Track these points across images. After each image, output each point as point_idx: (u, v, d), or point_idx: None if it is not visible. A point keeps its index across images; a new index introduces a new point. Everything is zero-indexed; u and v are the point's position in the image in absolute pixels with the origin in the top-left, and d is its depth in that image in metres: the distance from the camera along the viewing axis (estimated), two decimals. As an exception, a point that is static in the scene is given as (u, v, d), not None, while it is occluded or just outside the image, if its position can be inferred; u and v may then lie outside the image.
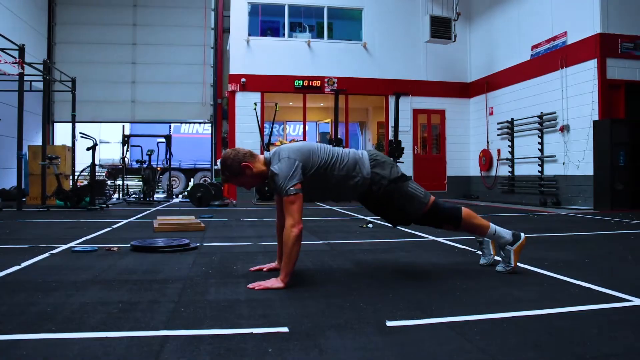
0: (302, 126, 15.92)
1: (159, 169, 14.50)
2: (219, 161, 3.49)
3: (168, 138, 14.31)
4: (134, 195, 13.88)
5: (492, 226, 3.58)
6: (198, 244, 5.02)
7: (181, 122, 19.50)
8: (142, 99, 16.33)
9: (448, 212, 3.54)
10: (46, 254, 4.41)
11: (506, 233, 3.59)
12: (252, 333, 2.27)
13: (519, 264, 3.94)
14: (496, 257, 3.79)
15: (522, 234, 3.60)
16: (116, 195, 14.42)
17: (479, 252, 3.92)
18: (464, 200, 14.08)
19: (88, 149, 10.09)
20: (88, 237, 5.66)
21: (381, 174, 3.41)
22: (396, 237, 5.47)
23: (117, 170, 18.97)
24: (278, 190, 3.25)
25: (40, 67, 11.24)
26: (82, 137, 10.53)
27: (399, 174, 3.47)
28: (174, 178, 19.09)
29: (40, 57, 14.14)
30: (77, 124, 13.19)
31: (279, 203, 3.50)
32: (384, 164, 3.46)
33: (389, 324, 2.40)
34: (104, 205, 10.47)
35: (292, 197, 3.17)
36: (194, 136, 20.85)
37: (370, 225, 6.78)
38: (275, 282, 3.15)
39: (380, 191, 3.42)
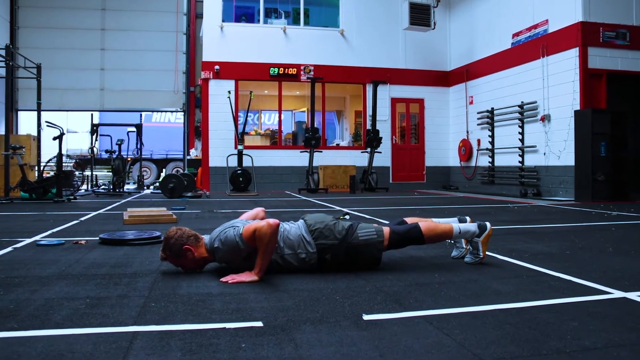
0: (277, 115, 15.85)
1: (129, 159, 14.31)
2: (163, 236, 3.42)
3: (139, 127, 14.12)
4: (103, 187, 13.71)
5: (455, 227, 3.59)
6: (170, 237, 4.97)
7: (152, 111, 19.26)
8: (112, 87, 16.12)
9: (408, 235, 3.50)
10: (9, 248, 4.33)
11: (471, 226, 3.62)
12: (225, 328, 2.25)
13: (498, 256, 3.99)
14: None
15: (488, 224, 3.63)
16: (84, 187, 14.23)
17: (453, 242, 3.95)
18: (443, 192, 14.20)
19: (54, 139, 9.92)
20: (54, 230, 5.57)
21: (328, 243, 3.37)
22: (374, 228, 5.47)
23: (85, 161, 18.73)
24: (234, 249, 3.21)
25: (3, 52, 11.00)
26: (48, 126, 10.34)
27: (344, 229, 3.43)
28: (145, 169, 18.90)
29: (2, 41, 13.84)
30: (42, 113, 12.93)
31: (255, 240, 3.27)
32: (325, 229, 3.40)
33: (366, 317, 2.41)
34: (72, 197, 10.31)
35: (245, 227, 3.17)
36: (165, 125, 20.63)
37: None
38: (249, 275, 3.13)
39: (336, 256, 3.39)
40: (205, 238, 3.41)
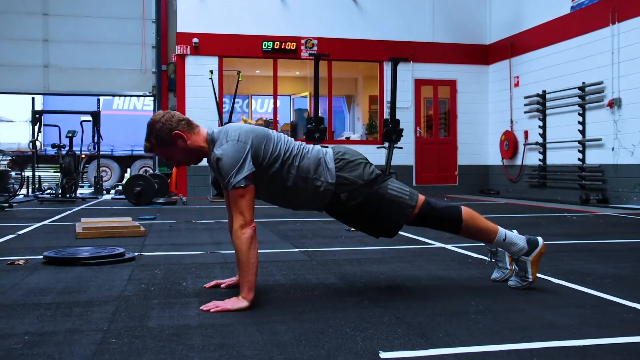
0: (272, 101, 15.89)
1: (83, 156, 14.34)
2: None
3: (96, 115, 14.15)
4: (49, 191, 13.72)
5: (501, 230, 3.60)
6: (136, 254, 4.99)
7: (113, 95, 19.31)
8: (59, 63, 16.05)
9: (444, 213, 3.56)
10: None
11: (519, 239, 3.61)
12: (205, 369, 2.25)
13: (552, 280, 3.98)
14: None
15: (540, 239, 3.63)
16: (24, 191, 14.24)
17: (493, 261, 3.94)
18: (481, 197, 14.19)
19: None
20: (-13, 245, 5.59)
21: (351, 178, 3.42)
22: (392, 243, 5.49)
23: (24, 158, 18.74)
24: (222, 181, 3.29)
25: None
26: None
27: (375, 173, 3.49)
28: (104, 168, 18.93)
29: None
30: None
31: (227, 197, 3.54)
32: (353, 163, 3.47)
33: (383, 355, 2.40)
34: (6, 205, 10.33)
35: (241, 190, 3.20)
36: (130, 113, 20.68)
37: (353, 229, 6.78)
38: (236, 302, 3.15)
39: (352, 200, 3.43)
40: (209, 129, 3.45)
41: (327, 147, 3.67)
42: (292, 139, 3.57)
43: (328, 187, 3.41)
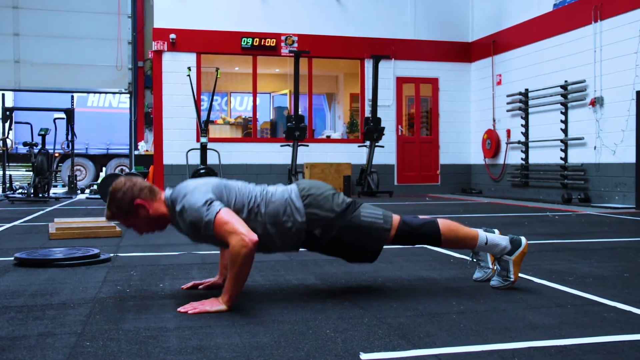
0: (251, 99, 15.84)
1: (56, 155, 14.21)
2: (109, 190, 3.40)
3: (69, 113, 14.03)
4: (20, 191, 13.60)
5: (482, 234, 3.62)
6: (111, 255, 4.98)
7: (88, 92, 19.14)
8: (31, 59, 15.86)
9: (421, 231, 3.56)
10: None
11: (501, 240, 3.63)
12: (182, 372, 2.25)
13: (534, 279, 4.01)
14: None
15: (523, 239, 3.65)
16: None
17: (475, 260, 3.97)
18: (463, 196, 14.25)
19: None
20: (-43, 246, 5.54)
21: (321, 214, 3.40)
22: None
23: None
24: (197, 232, 3.23)
25: None
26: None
27: (345, 203, 3.47)
28: (78, 167, 18.79)
29: None
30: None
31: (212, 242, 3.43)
32: (321, 197, 3.44)
33: (364, 357, 2.41)
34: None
35: (220, 216, 3.13)
36: (106, 111, 20.51)
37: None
38: (215, 304, 3.14)
39: (327, 234, 3.43)
40: (166, 192, 3.42)
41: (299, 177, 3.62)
42: (253, 184, 3.54)
43: (300, 227, 3.38)
